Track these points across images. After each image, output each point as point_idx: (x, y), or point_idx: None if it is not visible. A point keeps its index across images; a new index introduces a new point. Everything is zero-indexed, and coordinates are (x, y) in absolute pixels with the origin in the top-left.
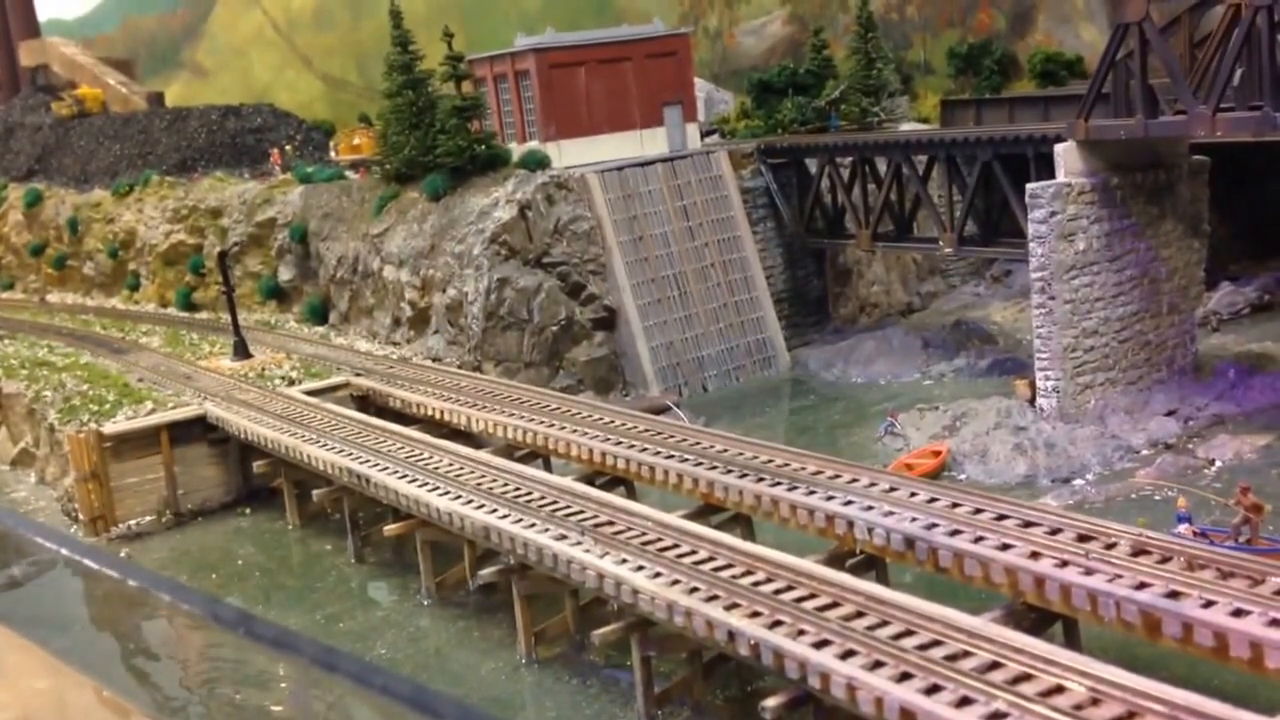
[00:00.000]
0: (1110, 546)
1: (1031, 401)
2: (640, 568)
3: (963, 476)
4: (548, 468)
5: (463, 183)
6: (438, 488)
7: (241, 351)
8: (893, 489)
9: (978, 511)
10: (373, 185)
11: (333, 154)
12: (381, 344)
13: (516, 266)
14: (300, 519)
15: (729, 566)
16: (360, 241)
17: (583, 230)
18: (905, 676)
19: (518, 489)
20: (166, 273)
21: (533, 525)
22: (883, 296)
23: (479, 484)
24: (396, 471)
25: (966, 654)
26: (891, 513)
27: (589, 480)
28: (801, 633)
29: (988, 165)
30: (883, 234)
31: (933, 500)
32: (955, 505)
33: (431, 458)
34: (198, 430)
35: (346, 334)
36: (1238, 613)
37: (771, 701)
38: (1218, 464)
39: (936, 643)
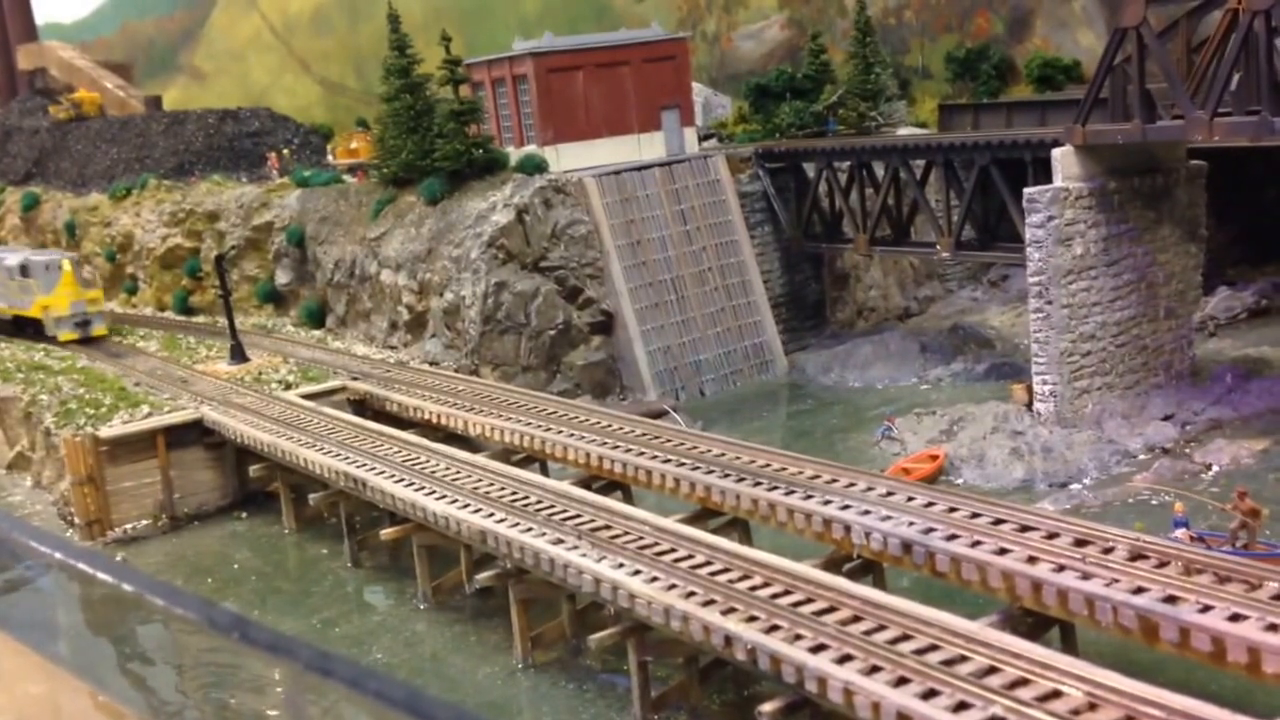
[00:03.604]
0: (1108, 551)
1: (1029, 406)
2: (637, 572)
3: (960, 481)
4: (544, 472)
5: (460, 187)
6: (434, 492)
7: (238, 355)
8: (890, 493)
9: (975, 516)
10: (370, 189)
11: (330, 158)
12: (379, 348)
13: (514, 270)
14: (297, 523)
15: (726, 571)
16: (358, 245)
17: (580, 234)
18: (902, 681)
19: (514, 493)
20: (164, 276)
21: (529, 529)
22: (880, 301)
23: (475, 488)
24: (393, 475)
25: (964, 659)
26: (889, 517)
27: (586, 484)
28: (798, 637)
29: (985, 170)
30: (880, 238)
31: (930, 504)
32: (952, 510)
33: (428, 462)
34: (194, 434)
35: (344, 338)
36: (1235, 617)
37: (769, 706)
38: (1215, 468)
39: (934, 647)
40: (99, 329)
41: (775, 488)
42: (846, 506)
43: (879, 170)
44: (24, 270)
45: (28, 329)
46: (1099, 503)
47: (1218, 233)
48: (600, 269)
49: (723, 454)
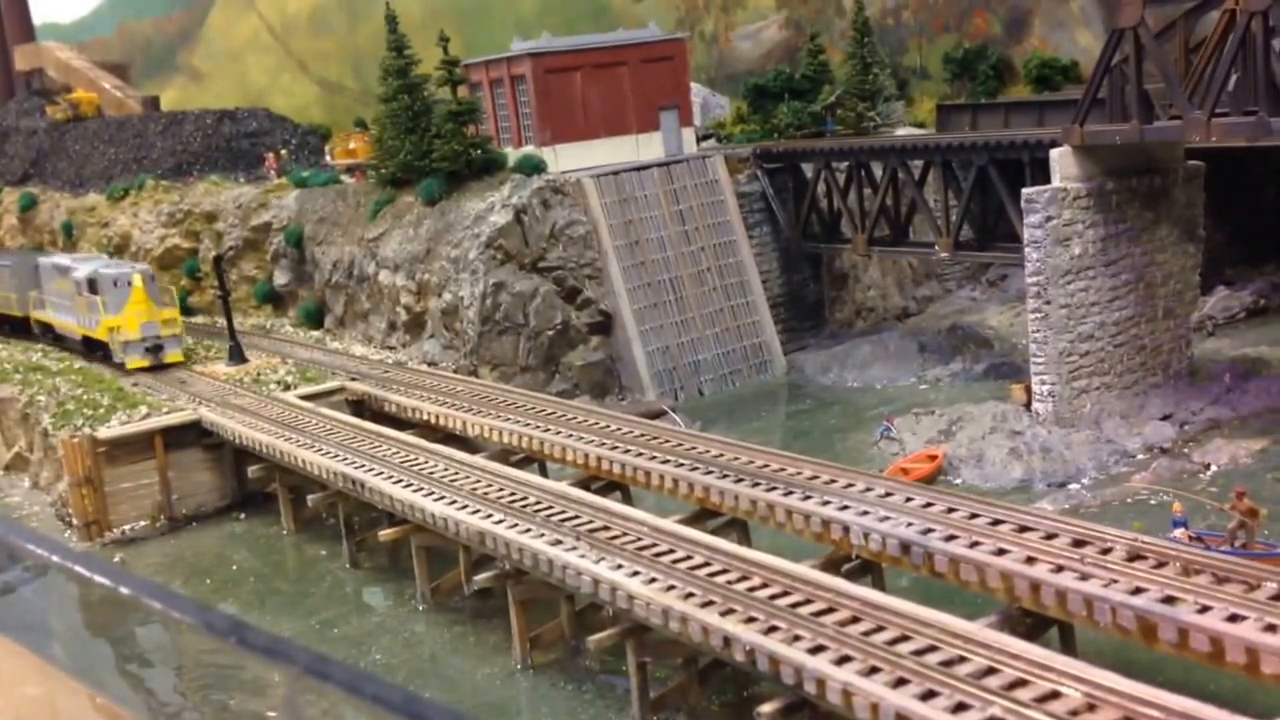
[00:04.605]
0: (1106, 551)
1: (1027, 406)
2: (636, 573)
3: (958, 481)
4: (543, 472)
5: (458, 187)
6: (433, 493)
7: (237, 356)
8: (889, 494)
9: (973, 516)
10: (368, 190)
11: (328, 158)
12: (377, 348)
13: (512, 271)
14: (295, 524)
15: (725, 571)
16: (356, 246)
17: (579, 235)
18: (901, 682)
19: (513, 494)
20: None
21: (528, 530)
22: (879, 301)
23: (474, 489)
24: (391, 476)
25: (962, 659)
26: (887, 518)
27: (584, 485)
28: (797, 638)
29: (983, 170)
30: (879, 238)
31: (929, 505)
32: (951, 510)
33: (426, 462)
34: (192, 435)
35: (342, 338)
36: (1233, 618)
37: (767, 707)
38: (1213, 468)
39: (932, 648)
40: (173, 355)
41: (774, 488)
42: (845, 507)
43: (877, 170)
44: (92, 285)
45: (98, 351)
46: (1097, 503)
47: (1215, 233)
48: (599, 269)
49: (721, 454)
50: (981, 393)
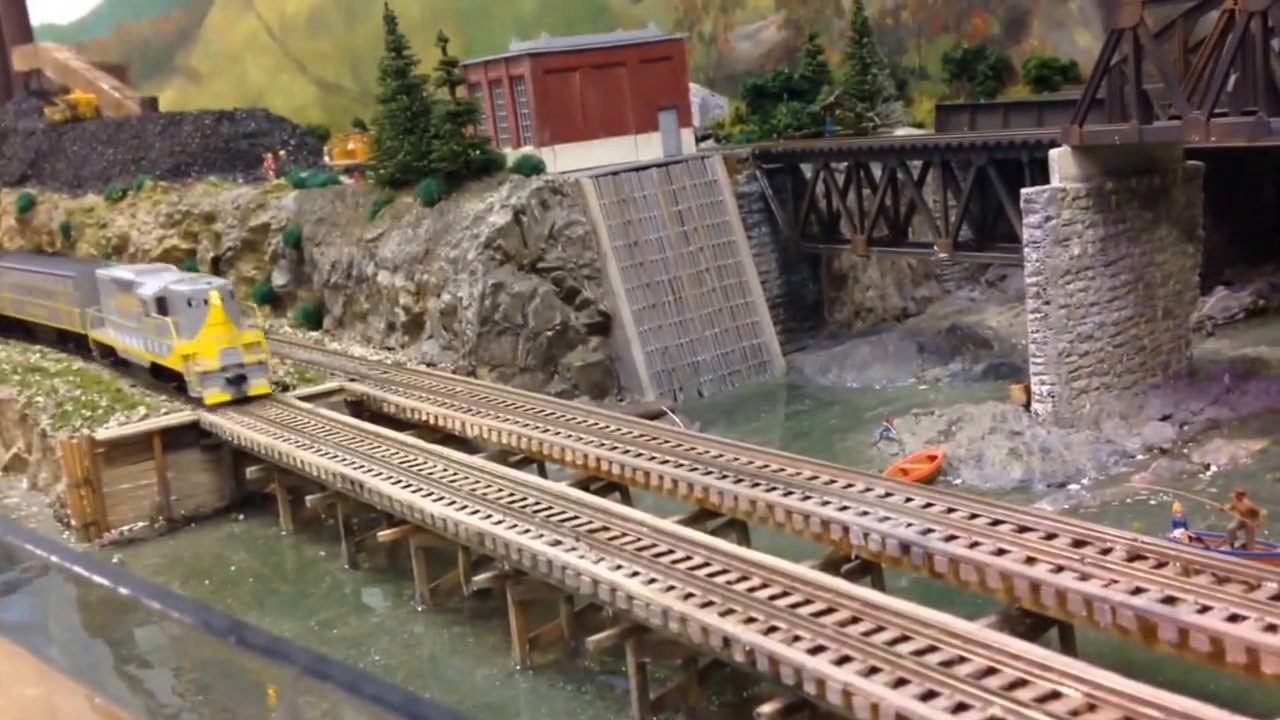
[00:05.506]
0: (1106, 551)
1: (1027, 406)
2: (635, 573)
3: (958, 481)
4: (542, 473)
5: (457, 188)
6: (432, 493)
7: None
8: (888, 494)
9: (973, 516)
10: (367, 190)
11: (327, 159)
12: (376, 349)
13: (511, 271)
14: (294, 525)
15: (724, 572)
16: (354, 246)
17: (577, 235)
18: (901, 682)
19: (512, 495)
20: None
21: (527, 531)
22: (878, 301)
23: (473, 490)
24: (390, 477)
25: (962, 659)
26: (887, 518)
27: (584, 486)
28: (797, 638)
29: (982, 170)
30: (878, 239)
31: (928, 505)
32: (951, 510)
33: (425, 463)
34: (191, 436)
35: (341, 339)
36: (1234, 618)
37: (767, 708)
38: (1213, 469)
39: (932, 648)
40: (258, 386)
41: (773, 489)
42: (845, 507)
43: (876, 171)
44: (161, 305)
45: (170, 381)
46: (1097, 503)
47: (1215, 233)
48: (598, 270)
49: (721, 455)
50: (981, 393)
